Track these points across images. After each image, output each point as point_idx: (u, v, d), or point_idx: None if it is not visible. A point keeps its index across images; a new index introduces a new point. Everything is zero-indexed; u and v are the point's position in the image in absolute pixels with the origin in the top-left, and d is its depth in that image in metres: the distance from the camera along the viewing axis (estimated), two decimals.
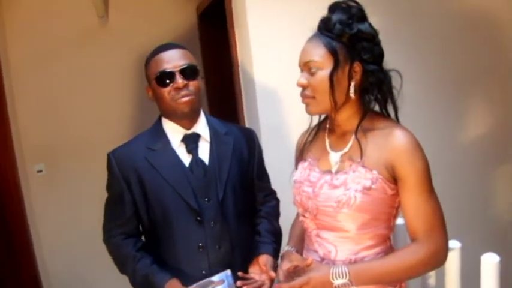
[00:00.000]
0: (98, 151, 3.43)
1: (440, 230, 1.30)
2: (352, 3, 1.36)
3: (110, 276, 3.48)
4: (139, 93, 3.70)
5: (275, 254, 1.75)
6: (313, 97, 1.34)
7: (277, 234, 1.83)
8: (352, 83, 1.33)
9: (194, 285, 1.58)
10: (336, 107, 1.35)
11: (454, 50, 2.61)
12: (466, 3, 2.58)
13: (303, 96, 1.36)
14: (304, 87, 1.35)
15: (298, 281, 1.31)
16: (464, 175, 2.71)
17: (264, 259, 1.70)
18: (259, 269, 1.68)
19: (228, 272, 1.63)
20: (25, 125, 3.46)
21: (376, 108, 1.41)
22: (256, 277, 1.65)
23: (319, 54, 1.32)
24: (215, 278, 1.61)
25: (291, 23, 2.34)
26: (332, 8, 1.37)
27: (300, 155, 1.57)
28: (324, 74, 1.31)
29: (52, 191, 3.60)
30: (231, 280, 1.62)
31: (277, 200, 1.93)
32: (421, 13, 2.49)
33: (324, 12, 1.38)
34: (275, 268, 1.68)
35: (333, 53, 1.31)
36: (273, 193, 1.93)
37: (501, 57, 2.70)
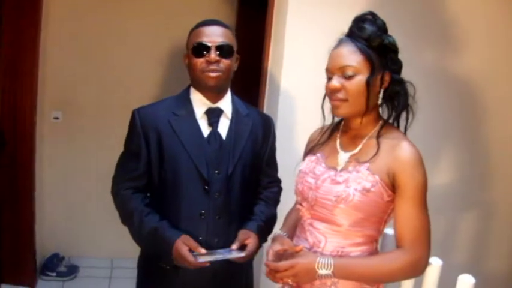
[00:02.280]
0: (116, 110, 3.64)
1: (425, 243, 1.40)
2: (378, 17, 1.49)
3: (104, 228, 3.70)
4: (168, 61, 3.84)
5: (259, 231, 1.84)
6: (346, 100, 1.43)
7: (270, 218, 1.93)
8: (381, 91, 1.45)
9: (203, 250, 1.68)
10: (366, 111, 1.46)
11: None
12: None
13: (334, 99, 1.45)
14: (337, 91, 1.44)
15: (285, 263, 1.41)
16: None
17: (242, 234, 1.79)
18: (238, 242, 1.77)
19: (230, 249, 1.73)
20: (52, 72, 3.60)
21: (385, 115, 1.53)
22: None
23: (356, 60, 1.42)
24: (220, 250, 1.71)
25: (326, 29, 2.41)
26: (361, 19, 1.48)
27: (310, 150, 1.67)
28: (360, 78, 1.41)
29: (64, 139, 3.76)
30: (236, 254, 1.71)
31: (280, 188, 2.03)
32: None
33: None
34: (256, 246, 1.79)
35: (370, 59, 1.42)
36: (277, 181, 2.04)
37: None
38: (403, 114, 1.50)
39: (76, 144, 3.80)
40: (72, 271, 3.68)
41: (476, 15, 2.62)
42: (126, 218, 1.81)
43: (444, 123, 2.72)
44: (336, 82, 1.44)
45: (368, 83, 1.41)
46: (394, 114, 1.50)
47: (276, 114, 2.46)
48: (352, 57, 1.42)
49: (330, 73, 1.48)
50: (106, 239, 3.91)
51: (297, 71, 2.47)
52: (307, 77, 2.43)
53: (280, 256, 1.49)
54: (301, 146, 2.36)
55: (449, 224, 2.86)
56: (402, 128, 1.52)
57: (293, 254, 1.46)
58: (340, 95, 1.44)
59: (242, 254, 1.71)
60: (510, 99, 2.78)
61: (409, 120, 1.50)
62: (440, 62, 2.59)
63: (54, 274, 3.60)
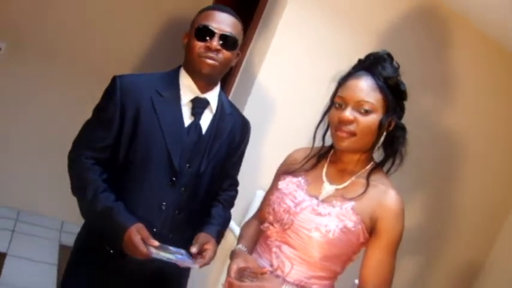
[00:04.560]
0: (73, 57, 3.45)
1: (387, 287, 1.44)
2: (394, 58, 1.50)
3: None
4: (155, 31, 3.74)
5: (217, 236, 1.79)
6: (355, 134, 1.43)
7: (225, 221, 1.90)
8: (385, 133, 1.45)
9: (157, 243, 1.58)
10: (370, 150, 1.47)
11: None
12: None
13: (344, 130, 1.43)
14: (349, 123, 1.42)
15: (250, 285, 1.38)
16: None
17: (203, 237, 1.73)
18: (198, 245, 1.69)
19: (183, 251, 1.64)
20: None
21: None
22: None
23: (376, 98, 1.42)
24: (173, 249, 1.62)
25: (312, 45, 2.46)
26: (382, 57, 1.49)
27: (288, 170, 1.63)
28: (375, 117, 1.42)
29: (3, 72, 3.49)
30: (189, 263, 1.63)
31: (237, 192, 2.00)
32: None
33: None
34: (214, 253, 1.72)
35: (387, 100, 1.43)
36: (237, 184, 2.00)
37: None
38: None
39: (17, 81, 3.55)
40: None
41: (468, 78, 2.76)
42: (79, 188, 1.67)
43: (422, 171, 2.81)
44: (350, 114, 1.42)
45: (381, 123, 1.42)
46: (388, 159, 1.51)
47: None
48: (372, 93, 1.43)
49: (343, 102, 1.46)
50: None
51: (274, 77, 2.45)
52: (281, 85, 2.44)
53: (242, 273, 1.46)
54: (260, 149, 2.38)
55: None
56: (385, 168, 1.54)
57: (256, 275, 1.43)
58: (351, 128, 1.43)
59: (196, 266, 1.63)
60: (486, 157, 2.94)
61: (395, 166, 1.52)
62: (429, 114, 2.69)
63: None
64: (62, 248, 3.58)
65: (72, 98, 3.61)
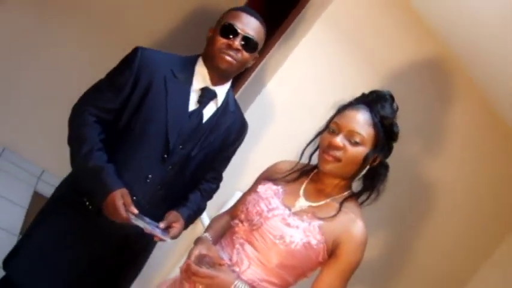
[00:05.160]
0: (93, 11, 3.55)
1: None
2: (395, 100, 1.60)
3: None
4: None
5: (187, 219, 1.88)
6: (339, 160, 1.52)
7: (199, 210, 1.99)
8: (368, 167, 1.55)
9: (136, 211, 1.66)
10: (350, 179, 1.56)
11: None
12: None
13: (331, 154, 1.52)
14: (337, 149, 1.52)
15: (207, 272, 1.45)
16: None
17: (173, 215, 1.82)
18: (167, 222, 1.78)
19: (156, 224, 1.73)
20: None
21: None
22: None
23: (368, 133, 1.52)
24: (147, 219, 1.70)
25: (324, 71, 2.57)
26: (384, 97, 1.59)
27: (270, 177, 1.72)
28: (362, 150, 1.52)
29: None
30: (161, 234, 1.71)
31: (218, 187, 2.09)
32: None
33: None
34: (179, 233, 1.82)
35: (378, 138, 1.53)
36: (220, 179, 2.09)
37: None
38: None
39: (38, 28, 3.65)
40: None
41: (458, 134, 2.85)
42: (77, 140, 1.75)
43: (394, 211, 2.88)
44: (340, 141, 1.52)
45: (366, 157, 1.52)
46: (365, 191, 1.60)
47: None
48: (365, 127, 1.52)
49: (337, 129, 1.55)
50: None
51: (281, 89, 2.54)
52: (285, 99, 2.54)
53: (201, 259, 1.53)
54: (249, 153, 2.46)
55: None
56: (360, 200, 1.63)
57: (214, 265, 1.51)
58: (338, 154, 1.52)
59: (167, 239, 1.72)
60: (458, 208, 3.01)
61: (370, 200, 1.61)
62: (414, 159, 2.78)
63: None
64: (36, 195, 3.64)
65: (85, 56, 3.71)
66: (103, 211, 1.69)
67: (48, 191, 3.62)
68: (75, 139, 1.76)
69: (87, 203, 1.75)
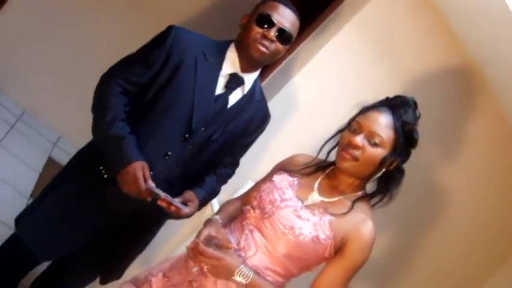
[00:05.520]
0: None
1: None
2: (418, 107, 1.63)
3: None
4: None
5: (201, 201, 1.90)
6: (357, 160, 1.54)
7: (213, 192, 2.01)
8: (384, 170, 1.57)
9: (153, 184, 1.69)
10: (365, 179, 1.58)
11: None
12: None
13: (349, 153, 1.54)
14: (356, 148, 1.54)
15: (213, 253, 1.48)
16: None
17: (189, 195, 1.85)
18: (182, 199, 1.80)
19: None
20: None
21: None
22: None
23: (388, 136, 1.54)
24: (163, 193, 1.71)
25: (351, 70, 2.59)
26: (407, 102, 1.62)
27: (286, 168, 1.74)
28: (380, 152, 1.54)
29: None
30: (179, 204, 1.73)
31: (233, 173, 2.11)
32: None
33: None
34: (192, 213, 1.84)
35: (397, 142, 1.55)
36: (236, 165, 2.11)
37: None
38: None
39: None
40: None
41: (474, 146, 2.82)
42: (101, 108, 1.77)
43: (405, 214, 2.87)
44: (360, 140, 1.54)
45: (383, 160, 1.54)
46: (378, 194, 1.62)
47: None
48: (386, 130, 1.54)
49: (358, 128, 1.57)
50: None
51: (307, 84, 2.56)
52: (310, 94, 2.56)
53: (209, 241, 1.56)
54: (267, 144, 2.47)
55: None
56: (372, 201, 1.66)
57: (221, 247, 1.54)
58: (356, 153, 1.54)
59: (186, 209, 1.75)
60: (469, 217, 2.96)
61: (382, 203, 1.63)
62: (428, 165, 2.77)
63: None
64: (50, 160, 3.71)
65: (114, 31, 3.75)
66: (118, 180, 1.71)
67: (62, 157, 3.72)
68: (99, 106, 1.79)
69: (103, 171, 1.79)
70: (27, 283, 2.27)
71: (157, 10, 3.64)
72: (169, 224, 2.17)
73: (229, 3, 3.35)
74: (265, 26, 1.76)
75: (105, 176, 1.78)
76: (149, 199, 1.68)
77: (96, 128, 1.78)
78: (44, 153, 3.74)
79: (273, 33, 1.76)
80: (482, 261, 3.03)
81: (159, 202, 1.68)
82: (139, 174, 1.66)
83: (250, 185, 2.42)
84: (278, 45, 1.79)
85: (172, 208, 1.70)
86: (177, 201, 1.71)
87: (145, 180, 1.67)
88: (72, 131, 3.89)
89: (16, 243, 2.01)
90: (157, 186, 1.71)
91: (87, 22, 3.75)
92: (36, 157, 3.63)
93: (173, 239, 2.59)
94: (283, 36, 1.78)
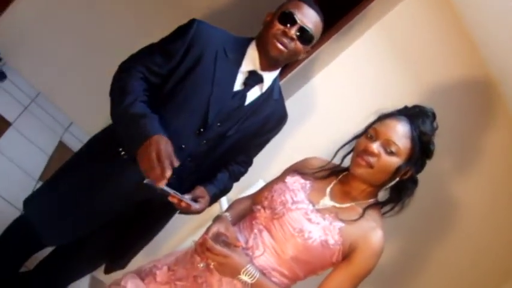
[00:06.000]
0: None
1: None
2: (436, 119, 1.62)
3: None
4: None
5: (212, 197, 1.89)
6: (372, 167, 1.54)
7: (225, 189, 2.00)
8: (398, 179, 1.56)
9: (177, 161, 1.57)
10: (378, 187, 1.58)
11: None
12: None
13: (364, 159, 1.54)
14: (372, 155, 1.54)
15: (221, 250, 1.48)
16: None
17: (200, 191, 1.83)
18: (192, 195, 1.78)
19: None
20: None
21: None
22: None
23: (404, 145, 1.53)
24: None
25: (370, 76, 2.59)
26: (426, 113, 1.61)
27: (300, 170, 1.74)
28: (396, 160, 1.53)
29: None
30: (189, 200, 1.71)
31: (246, 171, 2.10)
32: None
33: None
34: (203, 209, 1.82)
35: (414, 152, 1.54)
36: (249, 163, 2.10)
37: None
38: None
39: None
40: None
41: (490, 161, 2.81)
42: (121, 91, 1.72)
43: (415, 224, 2.86)
44: (376, 148, 1.54)
45: (398, 169, 1.53)
46: (390, 203, 1.61)
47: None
48: (403, 140, 1.53)
49: (375, 135, 1.57)
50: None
51: (325, 86, 2.57)
52: (327, 97, 2.56)
53: (217, 238, 1.56)
54: (281, 144, 2.47)
55: None
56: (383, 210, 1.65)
57: (229, 245, 1.54)
58: (371, 160, 1.54)
59: (196, 206, 1.73)
60: (478, 231, 2.97)
61: (393, 212, 1.63)
62: (442, 176, 2.77)
63: None
64: (60, 144, 3.71)
65: (136, 22, 3.74)
66: (137, 157, 1.58)
67: (72, 143, 3.73)
68: (118, 91, 1.73)
69: (122, 152, 1.76)
70: (31, 266, 2.27)
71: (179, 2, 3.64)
72: (175, 219, 2.17)
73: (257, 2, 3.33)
74: (287, 23, 1.75)
75: (124, 156, 1.76)
76: (163, 183, 1.51)
77: (115, 111, 1.73)
78: (55, 137, 3.73)
79: (293, 31, 1.74)
80: (488, 275, 3.03)
81: (170, 198, 1.66)
82: (164, 147, 1.54)
83: (260, 184, 2.44)
84: (298, 45, 1.77)
85: (183, 204, 1.69)
86: (187, 198, 1.70)
87: (169, 158, 1.53)
88: (85, 118, 3.92)
89: (23, 225, 2.03)
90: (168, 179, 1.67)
91: (108, 11, 3.74)
92: (47, 140, 3.63)
93: (178, 234, 2.61)
94: (304, 35, 1.77)
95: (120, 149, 1.78)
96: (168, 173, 1.49)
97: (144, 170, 1.53)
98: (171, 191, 1.59)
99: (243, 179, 2.14)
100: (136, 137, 1.60)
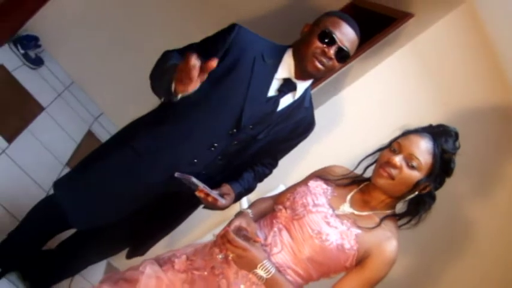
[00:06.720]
0: None
1: None
2: (458, 138, 1.69)
3: None
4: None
5: (237, 195, 1.95)
6: (393, 179, 1.61)
7: (249, 188, 2.06)
8: (417, 193, 1.63)
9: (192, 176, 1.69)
10: (397, 199, 1.66)
11: None
12: None
13: (386, 170, 1.62)
14: (394, 167, 1.61)
15: (241, 243, 1.56)
16: None
17: (226, 188, 1.89)
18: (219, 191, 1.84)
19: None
20: None
21: None
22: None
23: (426, 160, 1.60)
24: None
25: (399, 93, 2.68)
26: (449, 132, 1.68)
27: (323, 176, 1.83)
28: (416, 175, 1.61)
29: None
30: (216, 195, 1.77)
31: (271, 172, 2.17)
32: None
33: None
34: (227, 206, 1.88)
35: (434, 168, 1.61)
36: (274, 166, 2.17)
37: None
38: None
39: None
40: (36, 62, 3.66)
41: (509, 187, 2.83)
42: (161, 69, 1.73)
43: (423, 239, 2.90)
44: (399, 161, 1.61)
45: (418, 183, 1.60)
46: (407, 215, 1.68)
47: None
48: (425, 156, 1.61)
49: (398, 148, 1.64)
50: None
51: (354, 99, 2.65)
52: (355, 109, 2.64)
53: (238, 232, 1.64)
54: (305, 152, 2.54)
55: None
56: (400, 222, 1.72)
57: (249, 240, 1.62)
58: (393, 172, 1.61)
59: (222, 201, 1.80)
60: (490, 253, 3.01)
61: (409, 225, 1.69)
62: (459, 196, 2.82)
63: (22, 51, 3.54)
64: (89, 133, 3.83)
65: (178, 22, 3.86)
66: (177, 83, 1.56)
67: (101, 133, 3.85)
68: (160, 68, 1.77)
69: (164, 96, 1.69)
70: (53, 245, 2.36)
71: (220, 6, 3.75)
72: (196, 214, 2.26)
73: (293, 8, 3.41)
74: (327, 42, 1.79)
75: (168, 98, 1.67)
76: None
77: (155, 74, 1.77)
78: (84, 125, 3.86)
79: (332, 51, 1.79)
80: None
81: (197, 193, 1.74)
82: (195, 62, 1.46)
83: (281, 188, 2.51)
84: (335, 63, 1.82)
85: (210, 199, 1.76)
86: (215, 193, 1.77)
87: (202, 68, 1.48)
88: (114, 110, 4.05)
89: (50, 206, 2.10)
90: (197, 176, 1.75)
91: (147, 10, 3.87)
92: (76, 128, 3.75)
93: (198, 228, 2.68)
94: (341, 55, 1.81)
95: (162, 99, 1.74)
96: (192, 179, 1.63)
97: (179, 79, 1.54)
98: (201, 185, 1.68)
99: (264, 183, 2.20)
100: (169, 69, 1.62)
